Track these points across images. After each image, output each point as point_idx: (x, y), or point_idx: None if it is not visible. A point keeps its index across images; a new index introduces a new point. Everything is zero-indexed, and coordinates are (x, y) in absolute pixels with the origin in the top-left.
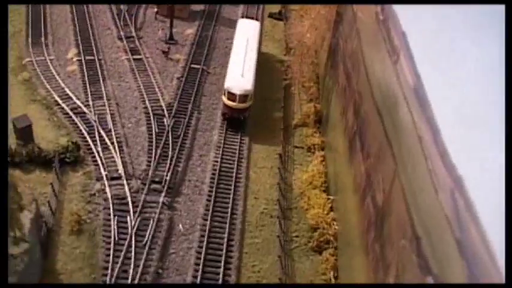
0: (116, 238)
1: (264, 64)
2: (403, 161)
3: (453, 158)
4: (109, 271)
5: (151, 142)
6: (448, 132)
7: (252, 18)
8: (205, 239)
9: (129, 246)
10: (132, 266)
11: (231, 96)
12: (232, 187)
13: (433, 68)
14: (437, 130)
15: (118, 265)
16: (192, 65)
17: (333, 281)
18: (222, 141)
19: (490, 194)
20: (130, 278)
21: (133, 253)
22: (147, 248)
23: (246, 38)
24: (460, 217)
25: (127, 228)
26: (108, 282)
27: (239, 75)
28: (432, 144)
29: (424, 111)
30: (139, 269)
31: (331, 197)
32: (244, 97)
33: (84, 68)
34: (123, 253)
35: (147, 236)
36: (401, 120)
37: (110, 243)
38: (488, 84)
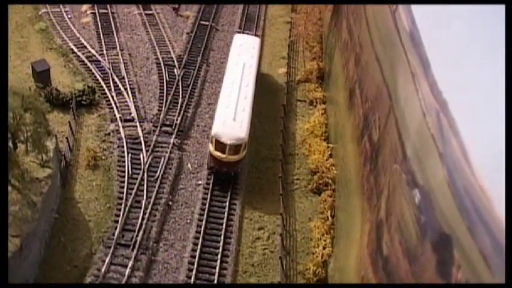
0: (130, 173)
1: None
2: (397, 97)
3: (440, 85)
4: (123, 201)
5: (163, 90)
6: (437, 66)
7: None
8: (212, 176)
9: (142, 180)
10: (144, 197)
11: (220, 145)
12: None
13: (425, 12)
14: (428, 65)
15: (131, 196)
16: (201, 22)
17: (330, 220)
18: None
19: (469, 111)
20: (143, 207)
21: (145, 186)
22: (158, 182)
23: (241, 63)
24: (444, 134)
25: (140, 164)
26: (122, 211)
27: (230, 118)
28: (423, 78)
29: (417, 51)
30: (151, 200)
31: (331, 145)
32: (236, 148)
33: (98, 20)
34: (136, 186)
35: (158, 172)
36: (397, 61)
37: (124, 177)
38: (473, 26)
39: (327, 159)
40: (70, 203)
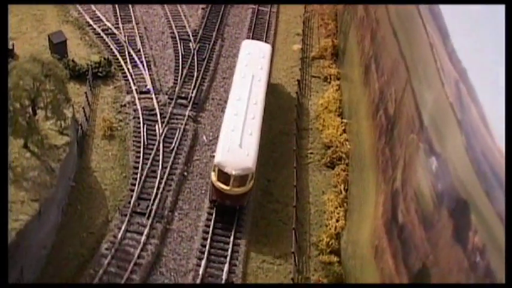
0: (145, 143)
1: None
2: (415, 69)
3: (459, 54)
4: (139, 171)
5: (178, 63)
6: (456, 36)
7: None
8: None
9: (157, 150)
10: (160, 167)
11: (223, 176)
12: None
13: None
14: (447, 35)
15: (147, 166)
16: None
17: (343, 193)
18: None
19: (489, 78)
20: (158, 177)
21: (161, 156)
22: (173, 153)
23: (250, 75)
24: (462, 102)
25: (155, 135)
26: (137, 180)
27: (236, 144)
28: (441, 47)
29: (436, 23)
30: (167, 170)
31: (345, 121)
32: (242, 179)
33: None
34: (151, 156)
35: (173, 143)
36: (415, 35)
37: (139, 147)
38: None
39: (340, 134)
40: (86, 172)
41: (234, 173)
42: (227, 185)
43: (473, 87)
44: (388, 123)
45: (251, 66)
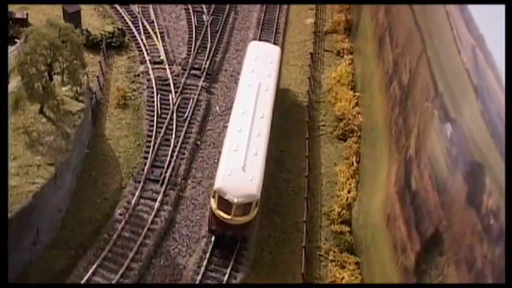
0: (159, 112)
1: None
2: (430, 38)
3: (476, 20)
4: (152, 139)
5: (191, 35)
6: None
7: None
8: None
9: (171, 119)
10: (173, 136)
11: (224, 204)
12: None
13: None
14: (463, 4)
15: (161, 134)
16: None
17: (355, 165)
18: (258, 37)
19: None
20: (171, 146)
21: (174, 125)
22: (187, 122)
23: (256, 84)
24: (479, 67)
25: (169, 105)
26: (151, 148)
27: (239, 167)
28: (458, 15)
29: None
30: (180, 139)
31: (358, 94)
32: (245, 207)
33: None
34: (165, 125)
35: (187, 113)
36: (431, 5)
37: (153, 116)
38: None
39: (353, 107)
40: (100, 140)
41: (236, 200)
42: (228, 213)
43: (491, 52)
44: (402, 94)
45: (258, 72)
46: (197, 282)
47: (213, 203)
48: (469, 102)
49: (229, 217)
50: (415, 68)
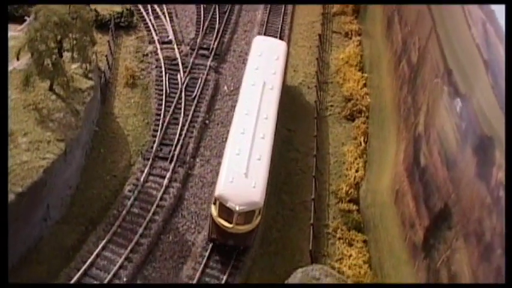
0: (168, 91)
1: None
2: (440, 15)
3: None
4: (161, 117)
5: (200, 15)
6: None
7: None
8: None
9: (179, 98)
10: (182, 115)
11: (225, 212)
12: None
13: None
14: None
15: (169, 113)
16: None
17: (362, 145)
18: (266, 18)
19: None
20: (180, 124)
21: (183, 104)
22: (195, 101)
23: (260, 83)
24: (490, 42)
25: (177, 84)
26: (160, 127)
27: (241, 173)
28: None
29: None
30: (189, 118)
31: (366, 75)
32: (247, 215)
33: None
34: (173, 104)
35: (195, 92)
36: None
37: (161, 95)
38: None
39: (361, 88)
40: (109, 118)
41: (237, 208)
42: (230, 222)
43: (501, 26)
44: (410, 72)
45: (262, 70)
46: (205, 258)
47: (214, 211)
48: (479, 77)
49: (230, 225)
50: (424, 46)
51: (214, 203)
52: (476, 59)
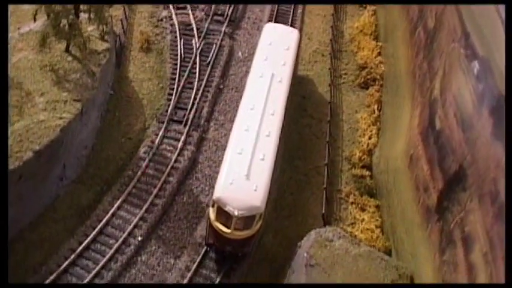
0: (182, 56)
1: None
2: None
3: None
4: (176, 82)
5: None
6: None
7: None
8: None
9: (194, 63)
10: (196, 79)
11: (224, 216)
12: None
13: None
14: None
15: (184, 78)
16: None
17: (376, 113)
18: None
19: None
20: (194, 89)
21: (197, 69)
22: (210, 67)
23: (268, 74)
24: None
25: (192, 49)
26: (174, 90)
27: (242, 174)
28: None
29: None
30: (203, 83)
31: (380, 44)
32: (247, 221)
33: None
34: (188, 69)
35: (210, 57)
36: None
37: (176, 59)
38: None
39: (375, 57)
40: (124, 82)
41: (236, 213)
42: (228, 227)
43: None
44: (426, 38)
45: (271, 61)
46: None
47: (212, 214)
48: (498, 38)
49: (228, 231)
50: (441, 11)
51: (213, 206)
52: (495, 20)
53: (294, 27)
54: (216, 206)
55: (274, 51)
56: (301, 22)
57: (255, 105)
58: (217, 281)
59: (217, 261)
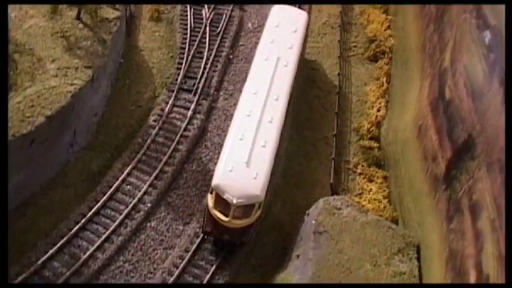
0: (192, 26)
1: None
2: None
3: None
4: (185, 51)
5: None
6: None
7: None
8: None
9: (204, 33)
10: (206, 49)
11: (222, 204)
12: None
13: None
14: None
15: (194, 47)
16: None
17: (385, 85)
18: None
19: None
20: (204, 58)
21: (207, 39)
22: (219, 37)
23: (274, 58)
24: None
25: (202, 19)
26: (184, 60)
27: (242, 161)
28: None
29: None
30: (213, 52)
31: (390, 17)
32: (246, 209)
33: None
34: (198, 38)
35: (219, 27)
36: None
37: (186, 29)
38: None
39: (385, 30)
40: (134, 51)
41: (235, 201)
42: (226, 215)
43: None
44: (437, 11)
45: (277, 44)
46: None
47: (210, 201)
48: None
49: (226, 219)
50: None
51: (211, 193)
52: None
53: (302, 8)
54: (214, 193)
55: (281, 34)
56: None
57: (259, 89)
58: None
59: None
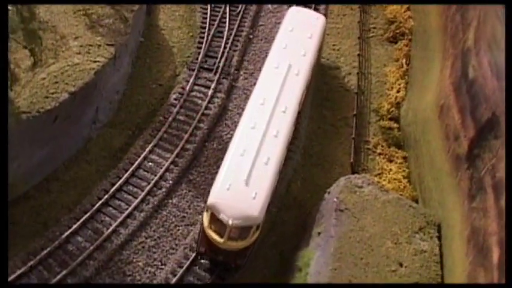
0: (212, 5)
1: None
2: None
3: None
4: (206, 30)
5: None
6: None
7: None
8: None
9: (224, 13)
10: (226, 29)
11: (217, 223)
12: None
13: None
14: None
15: (214, 27)
16: None
17: (404, 67)
18: None
19: None
20: (225, 37)
21: (227, 19)
22: (239, 16)
23: (285, 65)
24: None
25: None
26: (205, 39)
27: (241, 179)
28: None
29: None
30: (233, 32)
31: None
32: (242, 231)
33: None
34: (218, 18)
35: (240, 7)
36: None
37: (206, 9)
38: None
39: (404, 11)
40: (155, 30)
41: (230, 222)
42: (221, 236)
43: None
44: None
45: (290, 50)
46: None
47: (205, 219)
48: None
49: (221, 240)
50: None
51: (207, 211)
52: None
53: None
54: (209, 212)
55: (294, 39)
56: None
57: (266, 99)
58: None
59: None
